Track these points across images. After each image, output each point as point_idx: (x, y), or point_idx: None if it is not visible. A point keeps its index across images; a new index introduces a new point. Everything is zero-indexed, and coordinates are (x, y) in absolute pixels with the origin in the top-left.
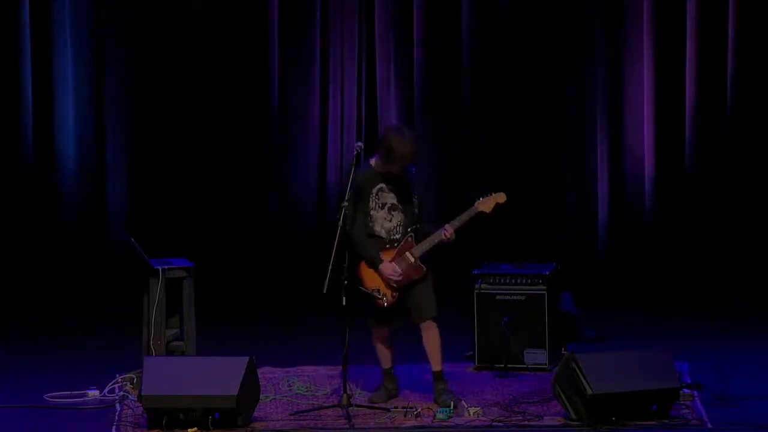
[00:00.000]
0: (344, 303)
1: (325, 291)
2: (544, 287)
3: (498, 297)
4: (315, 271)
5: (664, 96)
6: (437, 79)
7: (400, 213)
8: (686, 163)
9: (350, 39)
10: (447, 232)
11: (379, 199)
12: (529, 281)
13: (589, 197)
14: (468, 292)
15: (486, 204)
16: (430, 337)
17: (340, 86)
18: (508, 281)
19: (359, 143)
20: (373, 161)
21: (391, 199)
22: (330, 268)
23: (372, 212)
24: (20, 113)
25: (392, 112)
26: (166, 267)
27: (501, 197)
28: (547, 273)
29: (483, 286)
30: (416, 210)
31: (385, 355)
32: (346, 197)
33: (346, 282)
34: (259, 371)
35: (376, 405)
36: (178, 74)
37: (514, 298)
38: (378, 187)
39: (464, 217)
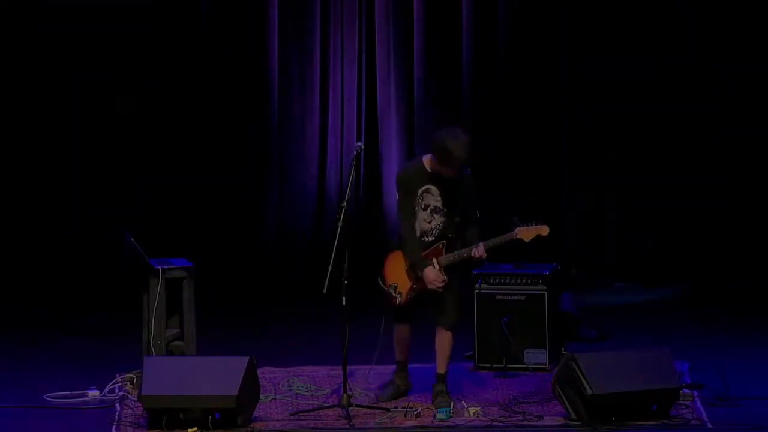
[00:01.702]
0: (344, 303)
1: (325, 291)
2: (544, 287)
3: (498, 297)
4: (315, 271)
5: (665, 95)
6: (437, 78)
7: (441, 217)
8: (687, 165)
9: (350, 39)
10: (479, 251)
11: (423, 200)
12: (529, 281)
13: (589, 197)
14: (468, 292)
15: (526, 233)
16: (443, 342)
17: (340, 86)
18: (508, 281)
19: (359, 143)
20: (426, 159)
21: (435, 201)
22: (330, 268)
23: (415, 210)
24: (21, 109)
25: (392, 112)
26: (166, 267)
27: (544, 230)
28: (547, 273)
29: (483, 286)
30: (458, 218)
31: (400, 349)
32: (346, 197)
33: (346, 282)
34: (259, 371)
35: (376, 405)
36: (178, 73)
37: (514, 298)
38: (424, 188)
39: (500, 240)
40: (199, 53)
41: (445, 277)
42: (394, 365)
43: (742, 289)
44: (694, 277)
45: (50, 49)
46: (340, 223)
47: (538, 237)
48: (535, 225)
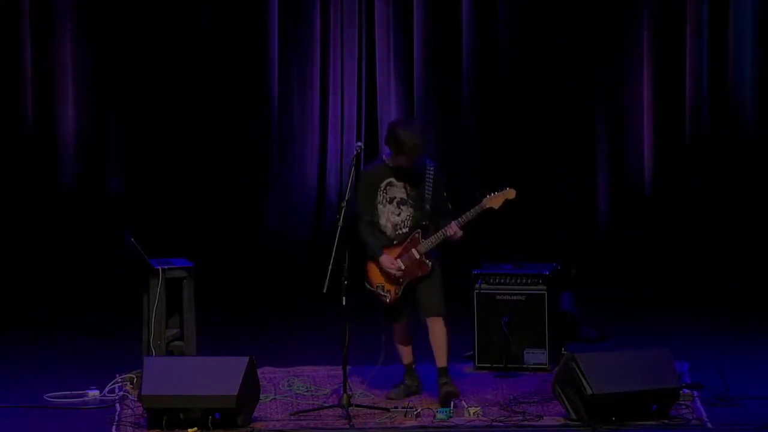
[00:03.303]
0: (344, 303)
1: (325, 291)
2: (544, 287)
3: (498, 297)
4: (315, 271)
5: (664, 95)
6: (437, 78)
7: (409, 208)
8: (687, 165)
9: (350, 39)
10: (451, 229)
11: (387, 194)
12: (529, 281)
13: (589, 197)
14: (468, 292)
15: (495, 201)
16: (436, 332)
17: (340, 86)
18: (508, 281)
19: (359, 143)
20: (385, 156)
21: (400, 193)
22: (330, 268)
23: (379, 206)
24: (21, 110)
25: (392, 112)
26: (166, 267)
27: (510, 194)
28: (547, 273)
29: (483, 286)
30: (428, 206)
31: (404, 351)
32: (346, 197)
33: (346, 282)
34: (259, 371)
35: (376, 405)
36: (178, 73)
37: (514, 298)
38: (387, 181)
39: (471, 213)
40: (199, 53)
41: (401, 264)
42: (401, 368)
43: (742, 289)
44: (694, 277)
45: (50, 48)
46: (340, 223)
47: (508, 202)
48: (502, 191)
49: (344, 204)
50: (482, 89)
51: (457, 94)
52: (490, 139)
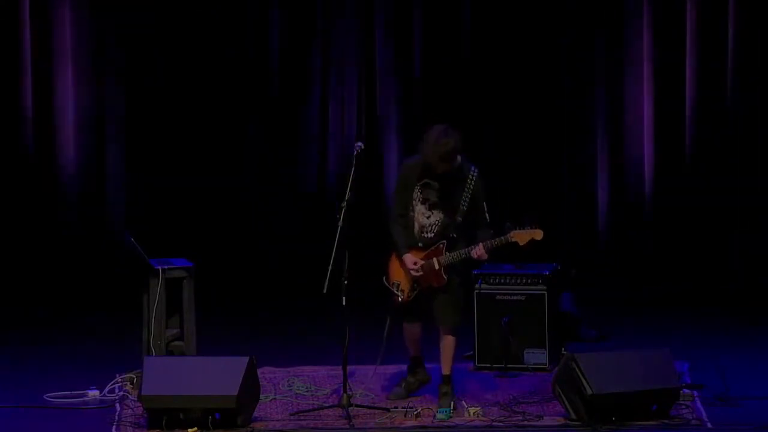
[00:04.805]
0: (344, 303)
1: (325, 291)
2: (544, 287)
3: (498, 297)
4: (315, 271)
5: (664, 95)
6: (437, 78)
7: (439, 212)
8: (687, 165)
9: (351, 38)
10: (478, 250)
11: (422, 193)
12: (529, 281)
13: (589, 197)
14: (468, 292)
15: (521, 236)
16: (445, 344)
17: (341, 86)
18: (508, 281)
19: (359, 143)
20: None
21: (433, 196)
22: (330, 268)
23: (414, 203)
24: (19, 110)
25: (392, 113)
26: (166, 267)
27: (538, 234)
28: (547, 273)
29: (483, 286)
30: (460, 218)
31: (413, 347)
32: (346, 197)
33: (346, 282)
34: (259, 371)
35: (376, 405)
36: (178, 73)
37: (514, 298)
38: (425, 181)
39: (495, 242)
40: (199, 53)
41: (422, 263)
42: (403, 365)
43: (742, 289)
44: (694, 277)
45: (50, 48)
46: (340, 223)
47: (533, 241)
48: (530, 228)
49: (344, 204)
50: (482, 89)
51: (458, 94)
52: (491, 139)
